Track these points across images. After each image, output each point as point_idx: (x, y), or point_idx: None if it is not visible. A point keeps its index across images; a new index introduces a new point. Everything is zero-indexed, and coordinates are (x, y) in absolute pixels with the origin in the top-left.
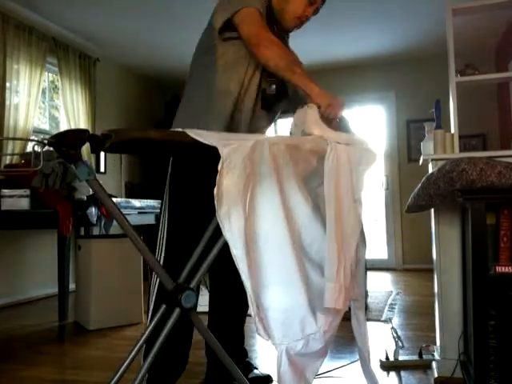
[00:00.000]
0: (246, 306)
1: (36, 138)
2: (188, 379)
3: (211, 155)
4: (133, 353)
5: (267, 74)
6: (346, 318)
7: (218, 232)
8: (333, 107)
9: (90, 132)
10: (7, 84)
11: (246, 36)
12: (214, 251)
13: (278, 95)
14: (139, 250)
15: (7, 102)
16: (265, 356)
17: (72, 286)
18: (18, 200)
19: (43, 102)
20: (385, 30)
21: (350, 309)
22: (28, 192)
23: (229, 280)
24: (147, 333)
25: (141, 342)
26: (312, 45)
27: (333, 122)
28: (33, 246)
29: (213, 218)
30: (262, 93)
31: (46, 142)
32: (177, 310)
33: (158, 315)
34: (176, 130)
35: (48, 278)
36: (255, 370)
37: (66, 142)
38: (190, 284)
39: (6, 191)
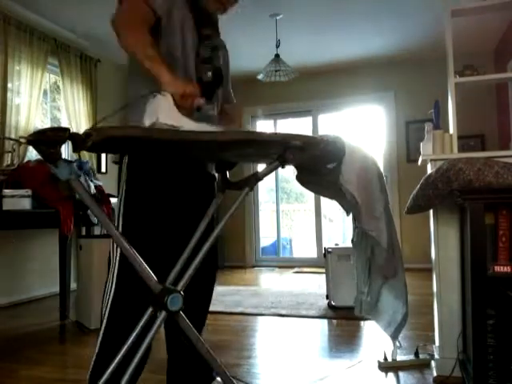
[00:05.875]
0: (207, 303)
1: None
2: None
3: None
4: (119, 355)
5: (201, 61)
6: (346, 317)
7: (207, 233)
8: (186, 98)
9: None
10: (9, 85)
11: (112, 24)
12: (202, 252)
13: (216, 81)
14: (123, 251)
15: (9, 103)
16: (263, 355)
17: (73, 286)
18: (20, 200)
19: (45, 103)
20: (384, 30)
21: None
22: (30, 192)
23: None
24: (134, 335)
25: (128, 343)
26: (311, 45)
27: (191, 111)
28: (34, 246)
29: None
30: (198, 81)
31: (23, 140)
32: (163, 313)
33: (145, 318)
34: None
35: (49, 277)
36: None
37: (46, 141)
38: (176, 286)
39: (7, 191)
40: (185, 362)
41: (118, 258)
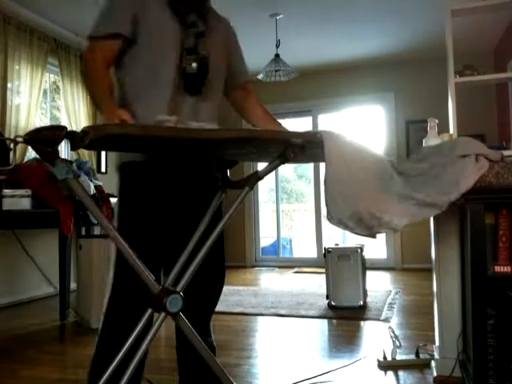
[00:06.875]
0: (214, 301)
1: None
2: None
3: (192, 149)
4: (119, 356)
5: (187, 52)
6: (346, 317)
7: (206, 233)
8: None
9: None
10: (9, 85)
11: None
12: (202, 253)
13: (201, 72)
14: (121, 251)
15: (9, 103)
16: (263, 355)
17: (73, 286)
18: (20, 200)
19: (45, 103)
20: (384, 30)
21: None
22: (29, 192)
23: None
24: (133, 337)
25: (127, 345)
26: (311, 45)
27: None
28: (34, 246)
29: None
30: (182, 73)
31: (19, 139)
32: (162, 315)
33: (144, 319)
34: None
35: (49, 277)
36: None
37: (42, 139)
38: (176, 287)
39: (7, 191)
40: (196, 364)
41: (115, 259)
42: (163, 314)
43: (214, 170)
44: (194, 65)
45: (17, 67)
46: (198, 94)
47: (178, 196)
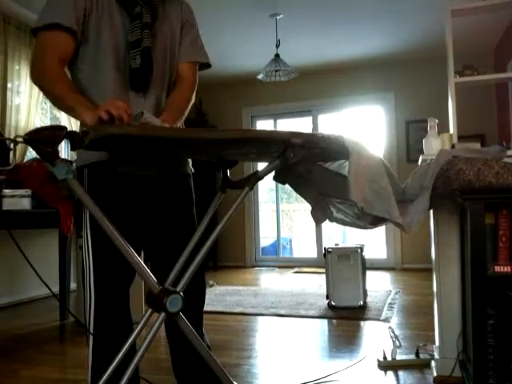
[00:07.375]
0: (201, 300)
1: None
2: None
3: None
4: (118, 357)
5: (131, 47)
6: (346, 317)
7: (206, 233)
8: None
9: None
10: (8, 85)
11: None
12: (202, 253)
13: (145, 66)
14: (121, 251)
15: (9, 103)
16: (263, 355)
17: (73, 286)
18: (20, 200)
19: (45, 103)
20: (384, 30)
21: None
22: (29, 192)
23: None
24: (133, 336)
25: (127, 345)
26: (311, 46)
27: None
28: (34, 246)
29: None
30: (129, 69)
31: (19, 139)
32: (162, 315)
33: (144, 319)
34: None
35: (49, 277)
36: None
37: (42, 139)
38: (176, 287)
39: (7, 191)
40: (189, 363)
41: (91, 265)
42: (163, 314)
43: (184, 167)
44: (138, 59)
45: (17, 67)
46: (143, 90)
47: (147, 195)
